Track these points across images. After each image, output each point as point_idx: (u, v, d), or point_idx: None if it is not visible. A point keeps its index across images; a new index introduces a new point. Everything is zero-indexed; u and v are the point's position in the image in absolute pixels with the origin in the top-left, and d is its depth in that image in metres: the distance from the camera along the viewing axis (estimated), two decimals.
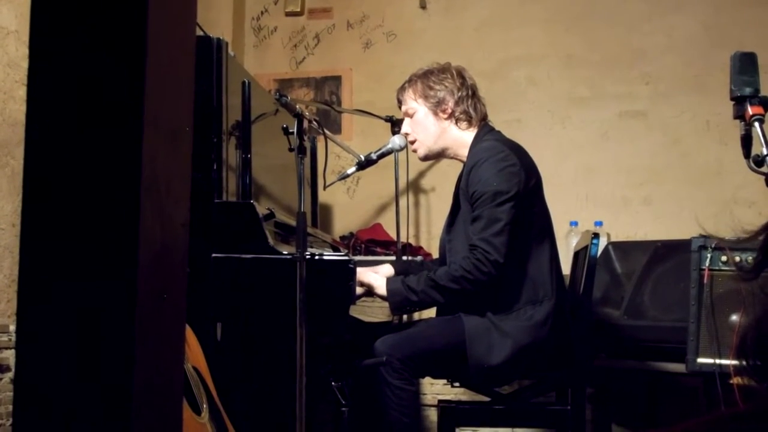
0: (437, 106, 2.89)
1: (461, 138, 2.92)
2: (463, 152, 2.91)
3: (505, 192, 2.69)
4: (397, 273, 2.94)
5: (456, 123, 2.91)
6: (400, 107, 3.02)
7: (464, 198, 2.81)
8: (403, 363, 2.63)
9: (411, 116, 2.96)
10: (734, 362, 2.57)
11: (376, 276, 2.84)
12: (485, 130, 2.91)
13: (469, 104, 2.90)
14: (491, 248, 2.64)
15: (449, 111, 2.89)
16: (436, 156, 3.03)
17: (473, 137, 2.90)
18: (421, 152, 2.99)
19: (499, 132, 2.95)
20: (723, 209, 4.04)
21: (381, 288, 2.79)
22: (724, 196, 4.08)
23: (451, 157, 3.00)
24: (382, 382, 2.62)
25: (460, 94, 2.89)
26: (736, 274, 2.67)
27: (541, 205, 2.86)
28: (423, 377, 3.44)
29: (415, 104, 2.93)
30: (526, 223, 2.75)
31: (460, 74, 2.93)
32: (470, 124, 2.91)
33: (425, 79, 2.92)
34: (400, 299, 2.75)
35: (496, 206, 2.68)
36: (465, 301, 2.76)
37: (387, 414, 2.61)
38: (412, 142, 2.99)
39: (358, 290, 2.78)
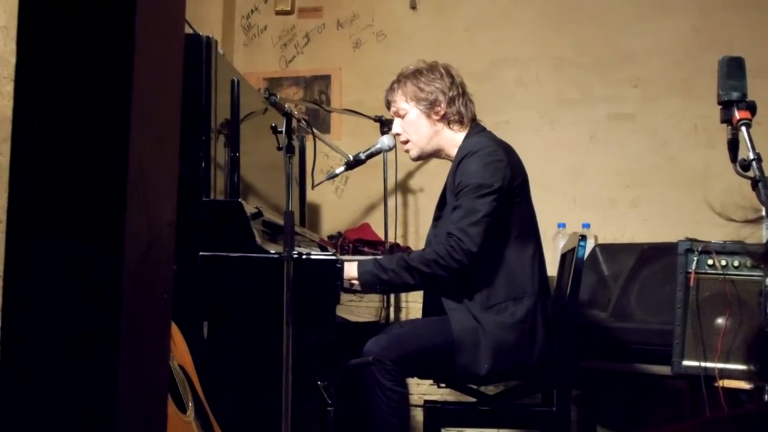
0: (430, 108, 2.89)
1: (453, 139, 2.92)
2: (455, 152, 2.91)
3: (488, 186, 2.70)
4: None
5: (449, 125, 2.91)
6: (388, 107, 3.01)
7: (450, 192, 2.82)
8: (396, 364, 2.62)
9: (402, 117, 2.95)
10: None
11: (350, 264, 2.81)
12: (476, 130, 2.92)
13: (460, 103, 2.90)
14: (466, 237, 2.66)
15: (442, 113, 2.89)
16: (429, 156, 3.04)
17: (464, 137, 2.91)
18: (414, 153, 2.99)
19: (489, 132, 2.95)
20: (709, 212, 4.05)
21: (352, 269, 2.77)
22: (711, 199, 4.09)
23: (443, 158, 3.00)
24: (374, 384, 2.60)
25: (451, 94, 2.89)
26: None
27: (527, 205, 2.86)
28: (411, 377, 3.44)
29: (406, 105, 2.93)
30: (508, 218, 2.76)
31: (449, 73, 2.93)
32: (462, 124, 2.92)
33: (415, 79, 2.91)
34: (370, 277, 2.75)
35: (477, 198, 2.69)
36: (442, 289, 2.77)
37: (377, 416, 2.60)
38: (404, 143, 2.99)
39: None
